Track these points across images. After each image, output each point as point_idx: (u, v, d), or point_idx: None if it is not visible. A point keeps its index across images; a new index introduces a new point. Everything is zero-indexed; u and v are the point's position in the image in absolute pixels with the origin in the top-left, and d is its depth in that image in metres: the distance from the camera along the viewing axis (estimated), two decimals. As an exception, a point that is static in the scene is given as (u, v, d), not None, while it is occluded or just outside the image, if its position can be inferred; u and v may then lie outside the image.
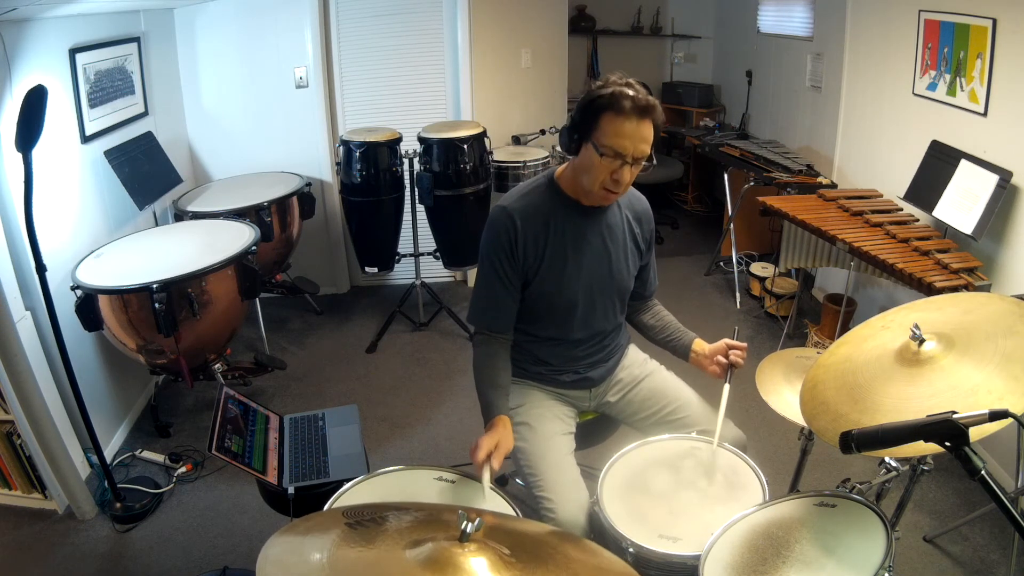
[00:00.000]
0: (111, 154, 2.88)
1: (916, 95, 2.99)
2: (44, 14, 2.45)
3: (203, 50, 3.68)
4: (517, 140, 4.14)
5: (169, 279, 2.45)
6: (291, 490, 1.77)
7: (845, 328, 2.70)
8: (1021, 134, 2.44)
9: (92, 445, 2.42)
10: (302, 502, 1.77)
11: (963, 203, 2.59)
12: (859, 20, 3.46)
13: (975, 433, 1.00)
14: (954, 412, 1.02)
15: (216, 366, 2.86)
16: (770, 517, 1.36)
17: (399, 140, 3.53)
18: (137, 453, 2.76)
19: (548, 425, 1.78)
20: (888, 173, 3.23)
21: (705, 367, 1.82)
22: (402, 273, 4.17)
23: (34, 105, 1.98)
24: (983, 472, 0.99)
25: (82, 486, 2.45)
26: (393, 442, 2.88)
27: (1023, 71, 2.41)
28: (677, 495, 1.53)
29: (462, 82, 3.92)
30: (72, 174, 2.69)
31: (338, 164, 3.56)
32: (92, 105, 2.79)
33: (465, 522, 1.03)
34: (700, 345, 1.86)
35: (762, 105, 4.72)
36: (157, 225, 3.19)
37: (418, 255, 3.80)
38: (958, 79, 2.71)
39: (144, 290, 2.41)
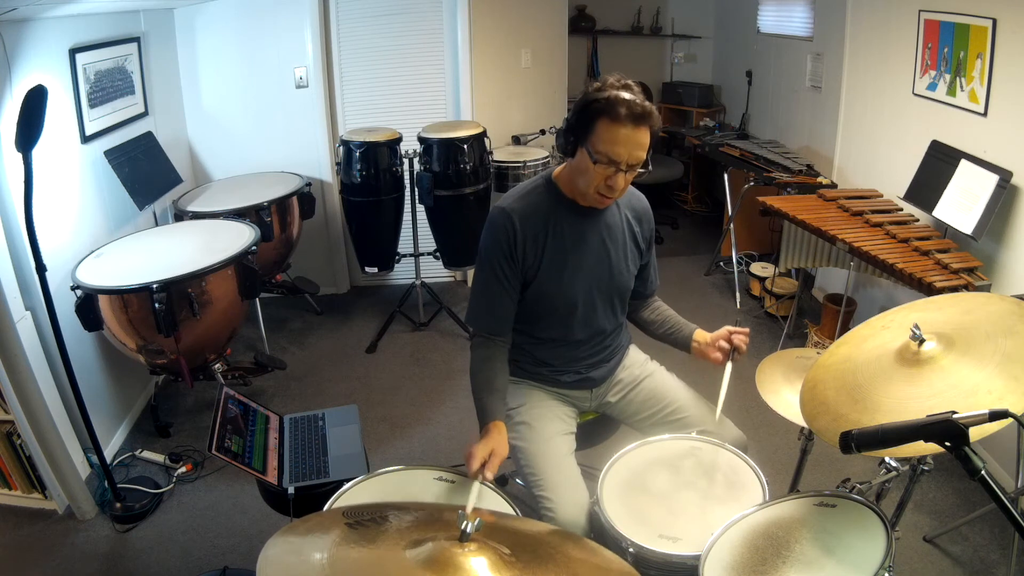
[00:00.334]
0: (111, 154, 2.88)
1: (916, 95, 2.99)
2: (44, 14, 2.44)
3: (203, 50, 3.68)
4: (517, 140, 4.14)
5: (169, 279, 2.45)
6: (291, 490, 1.77)
7: (845, 328, 2.70)
8: (1021, 134, 2.44)
9: (92, 445, 2.42)
10: (302, 502, 1.77)
11: (963, 203, 2.59)
12: (859, 20, 3.46)
13: (975, 433, 1.00)
14: (954, 412, 1.02)
15: (216, 366, 2.86)
16: (770, 517, 1.36)
17: (399, 140, 3.53)
18: (137, 453, 2.76)
19: (548, 425, 1.78)
20: (888, 173, 3.22)
21: (708, 355, 1.80)
22: (402, 273, 4.17)
23: (34, 105, 1.98)
24: (983, 472, 0.99)
25: (82, 486, 2.45)
26: (393, 442, 2.88)
27: (1023, 71, 2.41)
28: (677, 495, 1.53)
29: (462, 82, 3.92)
30: (72, 174, 2.69)
31: (338, 164, 3.56)
32: (92, 105, 2.79)
33: (465, 522, 1.03)
34: (701, 335, 1.84)
35: (762, 105, 4.72)
36: (157, 225, 3.19)
37: (418, 255, 3.80)
38: (958, 79, 2.71)
39: (144, 290, 2.41)
